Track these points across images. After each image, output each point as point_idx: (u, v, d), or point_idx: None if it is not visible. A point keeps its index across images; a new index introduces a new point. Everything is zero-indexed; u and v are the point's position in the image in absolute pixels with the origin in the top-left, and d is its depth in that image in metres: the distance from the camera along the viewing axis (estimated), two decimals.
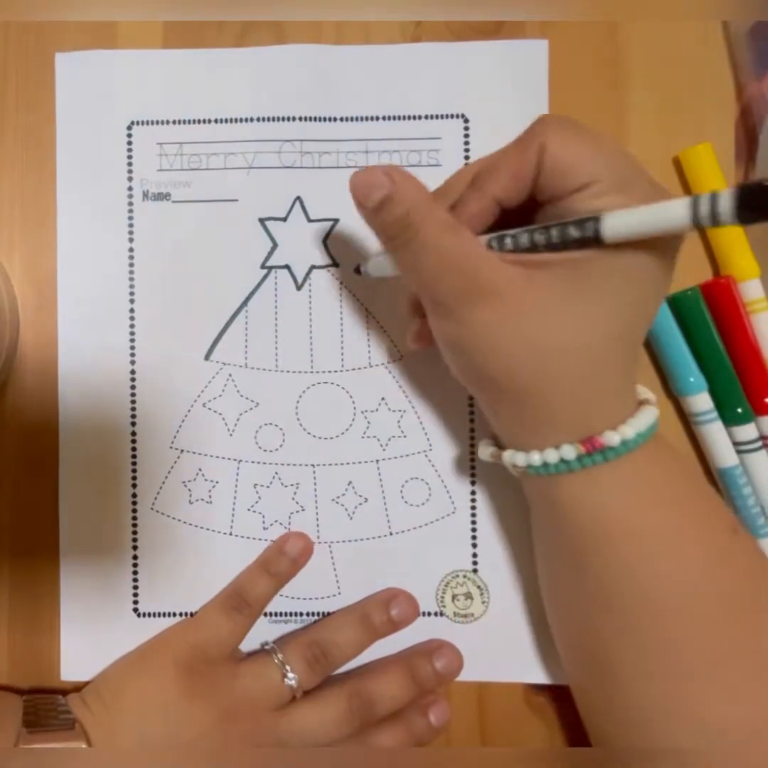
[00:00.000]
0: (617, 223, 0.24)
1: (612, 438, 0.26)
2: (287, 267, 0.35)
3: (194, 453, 0.35)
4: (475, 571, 0.35)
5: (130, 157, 0.35)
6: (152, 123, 0.35)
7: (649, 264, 0.25)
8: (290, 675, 0.32)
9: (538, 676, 0.35)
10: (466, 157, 0.35)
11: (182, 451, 0.35)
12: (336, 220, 0.35)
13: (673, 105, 0.35)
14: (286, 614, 0.35)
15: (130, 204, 0.35)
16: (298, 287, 0.35)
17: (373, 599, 0.35)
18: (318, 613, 0.35)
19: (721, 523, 0.28)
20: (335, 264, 0.35)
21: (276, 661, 0.33)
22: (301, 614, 0.35)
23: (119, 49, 0.35)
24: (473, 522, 0.35)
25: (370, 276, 0.32)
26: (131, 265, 0.35)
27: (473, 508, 0.35)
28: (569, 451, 0.27)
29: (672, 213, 0.22)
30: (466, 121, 0.35)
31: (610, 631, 0.28)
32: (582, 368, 0.26)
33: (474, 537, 0.35)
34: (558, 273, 0.26)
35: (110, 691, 0.33)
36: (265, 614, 0.35)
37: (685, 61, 0.35)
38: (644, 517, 0.27)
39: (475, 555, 0.35)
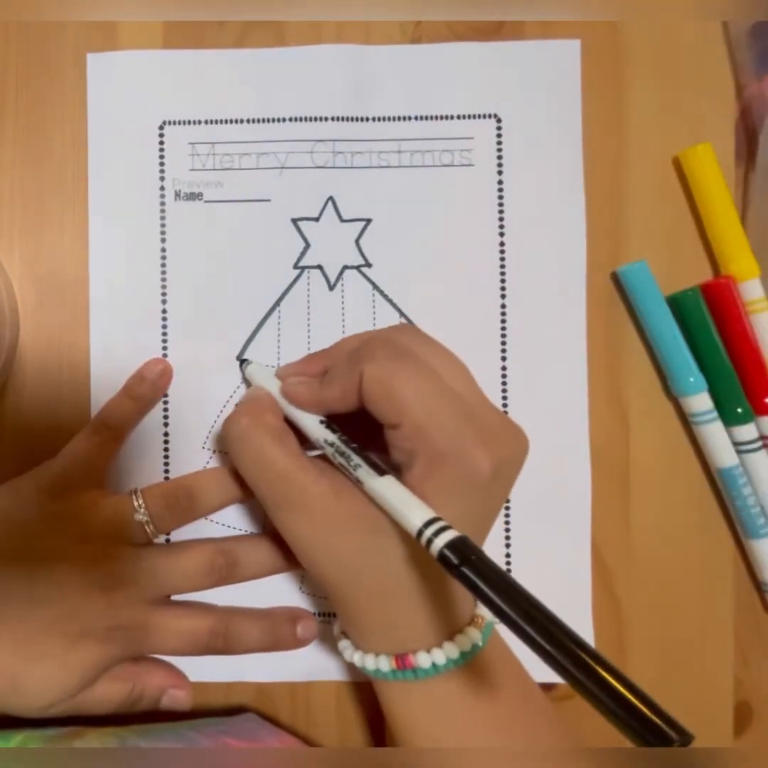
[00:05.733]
0: (378, 488, 0.27)
1: (423, 660, 0.28)
2: (320, 267, 0.35)
3: (227, 454, 0.35)
4: None
5: (161, 157, 0.35)
6: (184, 123, 0.35)
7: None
8: (141, 511, 0.32)
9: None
10: (500, 157, 0.35)
11: (215, 451, 0.35)
12: (369, 220, 0.35)
13: (673, 105, 0.35)
14: (335, 615, 0.34)
15: (163, 204, 0.35)
16: (331, 287, 0.35)
17: None
18: None
19: (535, 747, 0.28)
20: (368, 264, 0.35)
21: (133, 497, 0.32)
22: (332, 615, 0.35)
23: (142, 49, 0.35)
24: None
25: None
26: (164, 265, 0.35)
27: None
28: (384, 663, 0.28)
29: (406, 522, 0.25)
30: (499, 121, 0.35)
31: None
32: (383, 588, 0.28)
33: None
34: (361, 496, 0.27)
35: None
36: (316, 615, 0.35)
37: (685, 61, 0.35)
38: (451, 736, 0.28)
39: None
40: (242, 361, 0.35)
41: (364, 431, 0.29)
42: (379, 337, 0.30)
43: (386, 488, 0.26)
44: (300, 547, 0.29)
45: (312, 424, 0.30)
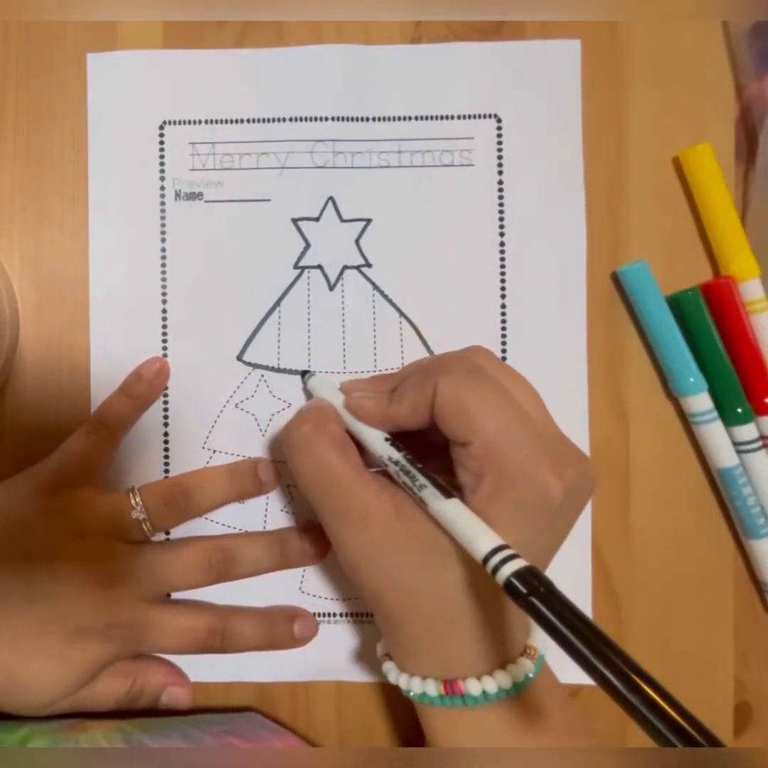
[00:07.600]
0: (444, 511, 0.26)
1: (473, 687, 0.27)
2: (320, 267, 0.35)
3: (227, 453, 0.35)
4: None
5: (162, 157, 0.35)
6: (184, 123, 0.35)
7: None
8: (138, 508, 0.32)
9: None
10: (500, 157, 0.35)
11: (215, 451, 0.35)
12: (369, 220, 0.35)
13: (673, 105, 0.35)
14: (335, 615, 0.35)
15: (163, 204, 0.35)
16: (331, 287, 0.35)
17: (246, 462, 0.34)
18: (367, 614, 0.35)
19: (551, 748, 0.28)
20: (368, 264, 0.35)
21: (131, 495, 0.32)
22: (350, 615, 0.35)
23: (142, 49, 0.35)
24: None
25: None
26: (164, 265, 0.35)
27: None
28: (431, 687, 0.28)
29: (472, 547, 0.25)
30: (499, 121, 0.35)
31: None
32: (438, 611, 0.27)
33: None
34: (423, 516, 0.27)
35: None
36: (316, 615, 0.35)
37: (685, 61, 0.35)
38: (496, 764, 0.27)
39: None
40: (304, 373, 0.35)
41: (422, 453, 0.29)
42: (454, 355, 0.30)
43: (453, 511, 0.26)
44: (354, 561, 0.28)
45: (377, 441, 0.29)
